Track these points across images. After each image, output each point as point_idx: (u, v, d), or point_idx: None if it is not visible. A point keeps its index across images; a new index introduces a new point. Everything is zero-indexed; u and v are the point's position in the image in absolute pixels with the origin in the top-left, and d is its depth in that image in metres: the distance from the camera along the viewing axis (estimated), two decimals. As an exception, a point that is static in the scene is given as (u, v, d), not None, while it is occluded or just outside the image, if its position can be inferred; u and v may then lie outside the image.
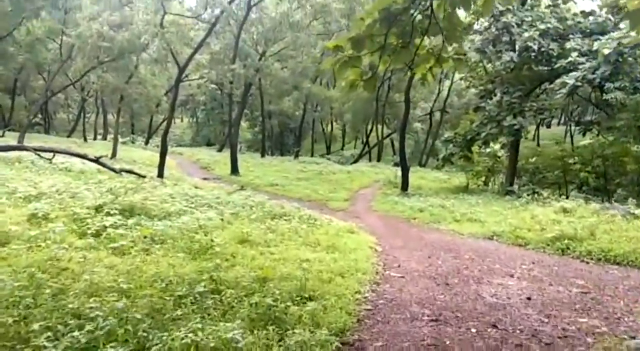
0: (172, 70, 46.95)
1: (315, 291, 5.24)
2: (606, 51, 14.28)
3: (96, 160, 17.87)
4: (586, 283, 6.62)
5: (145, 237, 7.76)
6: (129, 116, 57.41)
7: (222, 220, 10.17)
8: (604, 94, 14.89)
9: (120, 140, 46.84)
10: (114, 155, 27.49)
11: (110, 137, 45.63)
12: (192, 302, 4.40)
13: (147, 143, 48.72)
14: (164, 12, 16.46)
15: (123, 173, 17.95)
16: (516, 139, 19.44)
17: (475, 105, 21.05)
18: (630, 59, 14.99)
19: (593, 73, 15.34)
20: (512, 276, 6.99)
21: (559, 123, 54.40)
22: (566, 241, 8.84)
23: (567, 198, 19.89)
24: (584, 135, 18.37)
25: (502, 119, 18.03)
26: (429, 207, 14.47)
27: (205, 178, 23.47)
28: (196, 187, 18.08)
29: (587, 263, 8.02)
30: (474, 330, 4.51)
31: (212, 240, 7.64)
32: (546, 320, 4.87)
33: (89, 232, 7.83)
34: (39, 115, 52.66)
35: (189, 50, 19.93)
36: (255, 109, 45.42)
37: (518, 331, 4.49)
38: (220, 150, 42.47)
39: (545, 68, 18.62)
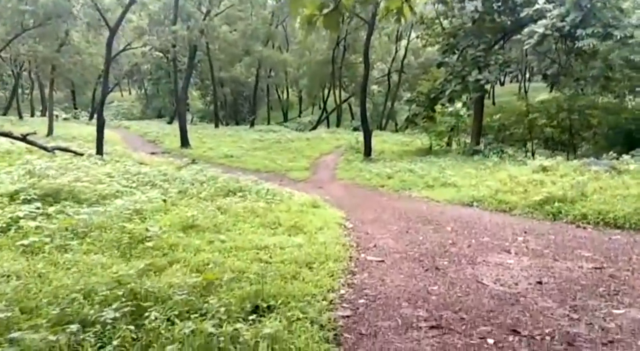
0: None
1: (276, 296, 3.98)
2: (577, -5, 13.35)
3: (23, 138, 15.75)
4: (594, 255, 5.66)
5: (65, 229, 6.29)
6: (70, 90, 53.57)
7: (164, 201, 8.72)
8: (576, 42, 14.03)
9: (63, 116, 43.72)
10: (50, 132, 25.08)
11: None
12: (96, 337, 3.04)
13: (91, 118, 45.39)
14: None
15: (56, 151, 16.04)
16: (481, 96, 18.54)
17: (438, 61, 19.91)
18: (599, 3, 14.11)
19: (562, 21, 14.41)
20: (508, 251, 5.95)
21: (511, 80, 54.54)
22: (556, 204, 7.92)
23: (533, 154, 19.40)
24: (551, 89, 17.63)
25: (467, 74, 17.00)
26: (397, 172, 13.39)
27: (152, 153, 21.61)
28: (141, 163, 16.39)
29: (585, 228, 7.11)
30: (491, 341, 3.38)
31: (147, 229, 6.24)
32: (575, 316, 3.81)
33: (-2, 225, 6.27)
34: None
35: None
36: (205, 77, 42.89)
37: (548, 338, 3.39)
38: (170, 122, 39.99)
39: (509, 19, 17.61)
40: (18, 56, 26.64)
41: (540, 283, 4.69)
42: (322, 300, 4.15)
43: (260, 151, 22.04)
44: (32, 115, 41.66)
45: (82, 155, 15.81)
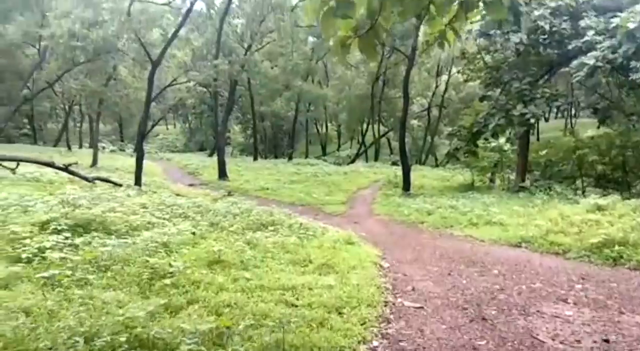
0: (158, 73, 45.65)
1: (299, 348, 3.52)
2: (631, 26, 12.63)
3: (65, 169, 16.15)
4: (668, 309, 4.92)
5: (89, 262, 6.08)
6: (117, 123, 55.71)
7: (193, 234, 8.46)
8: (630, 74, 13.24)
9: (111, 148, 45.24)
10: (94, 163, 25.75)
11: (99, 145, 43.90)
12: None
13: (135, 150, 46.78)
14: (131, -1, 14.75)
15: (96, 181, 16.33)
16: (527, 130, 17.74)
17: (481, 95, 19.32)
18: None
19: (613, 52, 13.68)
20: (565, 301, 5.27)
21: (556, 116, 52.90)
22: (616, 247, 7.13)
23: (583, 192, 18.28)
24: (602, 123, 16.69)
25: (512, 108, 16.32)
26: (438, 208, 12.73)
27: (191, 185, 21.76)
28: (178, 195, 16.43)
29: (652, 276, 6.32)
30: None
31: (170, 264, 5.93)
32: (657, 387, 3.16)
33: (23, 256, 6.13)
34: (27, 126, 50.96)
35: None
36: (246, 111, 43.65)
37: None
38: (210, 155, 40.62)
39: (556, 51, 16.94)
40: (69, 90, 27.78)
41: (607, 341, 4.03)
42: (352, 354, 3.65)
43: (296, 184, 21.79)
44: (80, 147, 43.26)
45: (121, 185, 16.01)
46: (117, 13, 15.77)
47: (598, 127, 32.49)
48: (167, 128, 70.39)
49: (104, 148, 41.86)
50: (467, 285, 6.08)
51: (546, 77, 18.36)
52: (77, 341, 3.29)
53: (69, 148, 38.62)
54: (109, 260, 6.15)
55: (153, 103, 52.44)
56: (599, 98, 20.51)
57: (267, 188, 19.80)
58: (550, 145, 20.39)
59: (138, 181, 16.27)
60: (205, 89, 36.57)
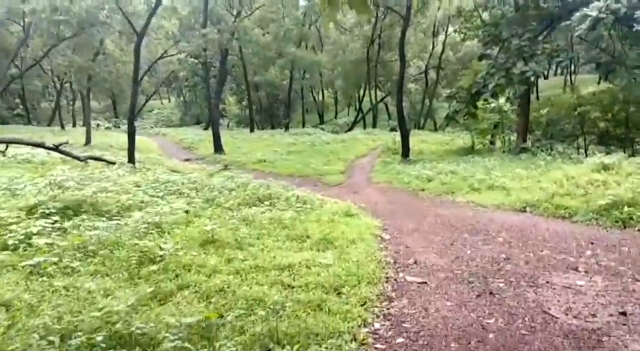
0: (148, 46, 44.47)
1: (293, 337, 3.26)
2: (637, -28, 12.03)
3: (56, 148, 15.77)
4: (685, 273, 4.66)
5: (77, 248, 5.84)
6: (111, 100, 54.86)
7: (187, 212, 8.18)
8: (635, 25, 12.67)
9: (106, 125, 44.63)
10: (87, 141, 25.31)
11: (93, 123, 43.25)
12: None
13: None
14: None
15: (89, 160, 16.01)
16: (527, 89, 17.24)
17: (479, 54, 18.70)
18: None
19: (616, 2, 13.06)
20: (575, 269, 5.01)
21: (555, 73, 51.80)
22: (626, 209, 6.85)
23: (585, 151, 17.95)
24: (605, 78, 16.16)
25: (512, 66, 15.77)
26: (438, 174, 12.42)
27: (186, 160, 21.42)
28: (173, 171, 16.13)
29: (665, 239, 6.06)
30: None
31: (160, 247, 5.66)
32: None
33: (10, 242, 5.90)
34: (20, 106, 50.15)
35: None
36: (240, 82, 42.78)
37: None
38: (206, 129, 40.03)
39: (556, 4, 16.30)
40: (57, 67, 27.00)
41: (624, 314, 3.77)
42: (352, 340, 3.39)
43: (294, 155, 21.44)
44: (74, 125, 42.67)
45: (114, 163, 15.68)
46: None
47: (598, 83, 31.82)
48: (162, 103, 69.39)
49: (98, 125, 41.27)
50: (471, 255, 5.82)
51: (545, 32, 17.71)
52: (52, 342, 3.03)
53: (62, 127, 38.07)
54: (97, 245, 5.90)
55: (145, 78, 51.56)
56: (600, 53, 19.88)
57: (264, 161, 19.47)
58: (551, 102, 19.91)
59: (131, 158, 15.91)
60: (197, 61, 35.74)
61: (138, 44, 14.01)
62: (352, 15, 40.62)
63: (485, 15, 24.50)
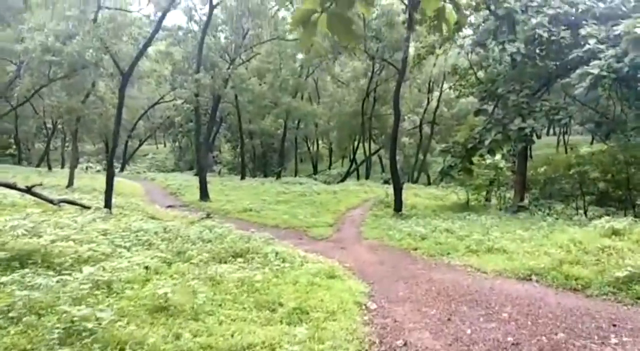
0: (146, 89, 44.51)
1: None
2: (638, 31, 11.69)
3: (27, 190, 14.83)
4: None
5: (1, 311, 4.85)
6: (104, 142, 54.43)
7: (146, 268, 7.23)
8: (638, 85, 12.28)
9: (97, 168, 43.80)
10: (70, 183, 24.37)
11: (83, 165, 42.48)
12: None
13: (122, 170, 45.66)
14: (98, 6, 13.50)
15: (62, 204, 15.09)
16: (525, 146, 16.70)
17: (476, 108, 18.30)
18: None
19: (618, 62, 12.72)
20: (603, 363, 4.06)
21: (547, 133, 52.08)
22: (649, 283, 5.95)
23: (585, 212, 17.20)
24: (606, 138, 15.66)
25: (509, 122, 15.29)
26: (432, 232, 11.51)
27: (169, 206, 20.42)
28: (152, 218, 15.19)
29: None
30: None
31: (95, 316, 4.68)
32: None
33: None
34: (13, 146, 49.55)
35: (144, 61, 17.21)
36: (235, 129, 42.54)
37: None
38: (197, 174, 39.34)
39: (555, 62, 16.04)
40: (47, 107, 26.43)
41: None
42: None
43: (282, 204, 20.53)
44: (63, 167, 41.86)
45: (89, 208, 14.76)
46: (84, 22, 14.63)
47: (591, 143, 31.57)
48: (157, 148, 69.28)
49: (87, 168, 40.52)
50: (472, 336, 4.86)
51: (542, 90, 17.42)
52: None
53: (49, 168, 37.23)
54: (24, 309, 4.92)
55: (140, 122, 51.48)
56: (596, 114, 19.63)
57: (250, 210, 18.52)
58: (548, 161, 19.33)
59: (108, 203, 14.95)
60: (190, 106, 35.55)
61: (123, 85, 13.43)
62: (350, 69, 41.16)
63: (481, 74, 24.48)
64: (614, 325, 5.09)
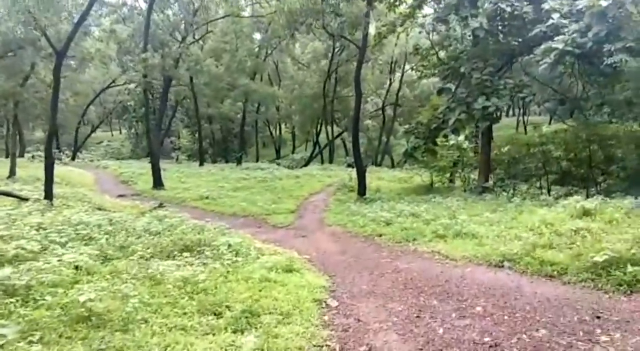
0: (96, 72, 42.15)
1: None
2: (603, 3, 11.33)
3: (-46, 183, 13.42)
4: None
5: None
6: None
7: (77, 268, 6.36)
8: (604, 59, 11.97)
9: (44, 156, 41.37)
10: (12, 173, 22.67)
11: (30, 154, 40.04)
12: None
13: (73, 158, 43.39)
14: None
15: (-3, 196, 13.84)
16: (490, 126, 16.35)
17: (439, 87, 17.80)
18: (630, 13, 12.07)
19: (582, 36, 12.39)
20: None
21: (507, 114, 52.77)
22: (630, 268, 5.51)
23: (549, 191, 17.12)
24: (570, 115, 15.48)
25: (473, 101, 14.86)
26: (397, 217, 10.94)
27: (120, 196, 19.21)
28: (100, 209, 14.09)
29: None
30: None
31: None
32: None
33: None
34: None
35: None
36: (193, 114, 40.99)
37: None
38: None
39: (517, 38, 15.68)
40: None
41: None
42: None
43: (242, 191, 19.64)
44: (7, 156, 39.34)
45: (27, 200, 13.54)
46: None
47: (549, 123, 31.84)
48: (112, 135, 66.57)
49: (33, 157, 38.18)
50: (445, 337, 4.26)
51: (505, 68, 17.07)
52: None
53: (-7, 157, 34.92)
54: None
55: (92, 107, 48.95)
56: (556, 93, 19.55)
57: (207, 197, 17.57)
58: (512, 141, 19.16)
59: (48, 194, 13.69)
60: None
61: (57, 65, 12.14)
62: (310, 50, 40.16)
63: (442, 54, 24.07)
64: (598, 317, 4.60)
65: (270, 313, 4.82)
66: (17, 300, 4.86)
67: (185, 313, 4.74)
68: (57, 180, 22.63)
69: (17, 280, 5.27)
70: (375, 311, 5.16)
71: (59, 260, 6.52)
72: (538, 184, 18.00)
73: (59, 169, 29.16)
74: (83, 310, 4.47)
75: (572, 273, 5.94)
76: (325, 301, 5.57)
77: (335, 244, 9.56)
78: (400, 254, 8.08)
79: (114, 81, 42.77)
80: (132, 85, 38.61)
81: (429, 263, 7.23)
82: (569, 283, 5.79)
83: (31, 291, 5.18)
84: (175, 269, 6.31)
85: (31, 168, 27.21)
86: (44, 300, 4.94)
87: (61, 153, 45.31)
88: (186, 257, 7.41)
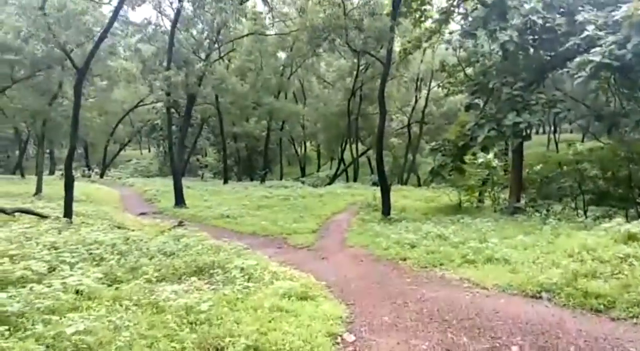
0: (126, 92, 42.96)
1: None
2: (643, 14, 10.66)
3: (-24, 200, 13.48)
4: None
5: None
6: (83, 148, 52.79)
7: (77, 293, 6.01)
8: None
9: (76, 175, 42.07)
10: (38, 191, 22.99)
11: (60, 172, 40.87)
12: None
13: (102, 175, 44.12)
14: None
15: (17, 214, 13.85)
16: (521, 143, 15.60)
17: (466, 103, 17.15)
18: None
19: (619, 49, 11.67)
20: None
21: (537, 132, 51.26)
22: (691, 303, 4.80)
23: (585, 213, 16.16)
24: (608, 132, 14.60)
25: (503, 117, 14.19)
26: (423, 239, 10.31)
27: (142, 213, 19.10)
28: (119, 227, 13.87)
29: None
30: None
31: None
32: None
33: None
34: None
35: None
36: (218, 132, 41.18)
37: None
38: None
39: (549, 52, 15.00)
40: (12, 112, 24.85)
41: None
42: None
43: (264, 210, 19.28)
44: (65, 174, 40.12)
45: (47, 217, 13.47)
46: (29, 10, 13.30)
47: (582, 141, 30.56)
48: (142, 153, 67.74)
49: (62, 175, 38.87)
50: (477, 385, 3.66)
51: (537, 83, 16.35)
52: None
53: (22, 175, 35.68)
54: None
55: (120, 126, 49.87)
56: (588, 109, 18.56)
57: (228, 216, 17.24)
58: (545, 159, 18.29)
59: (67, 212, 13.58)
60: (174, 110, 34.10)
61: (78, 82, 12.10)
62: (335, 68, 40.03)
63: (469, 71, 23.46)
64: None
65: (278, 350, 4.31)
66: (8, 329, 4.50)
67: (183, 348, 4.28)
68: (83, 197, 22.88)
69: (10, 306, 4.93)
70: (397, 349, 4.59)
71: (62, 283, 6.19)
72: (573, 205, 17.03)
73: (86, 186, 29.61)
74: (69, 344, 4.06)
75: (621, 307, 5.25)
76: (340, 336, 5.03)
77: (356, 268, 8.99)
78: (426, 281, 7.46)
79: (142, 100, 43.57)
80: (159, 104, 39.15)
81: (457, 292, 6.60)
82: (617, 319, 5.10)
83: (23, 318, 4.82)
84: (181, 294, 5.88)
85: (58, 186, 27.57)
86: (34, 329, 4.56)
87: (90, 171, 46.16)
88: (196, 281, 7.02)
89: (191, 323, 4.85)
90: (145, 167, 56.76)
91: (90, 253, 8.44)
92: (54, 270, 7.28)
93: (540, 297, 6.02)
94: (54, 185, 26.41)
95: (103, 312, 5.06)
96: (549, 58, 15.23)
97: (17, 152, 51.78)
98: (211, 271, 7.83)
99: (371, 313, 5.86)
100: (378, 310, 5.99)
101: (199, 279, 7.49)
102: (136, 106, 44.78)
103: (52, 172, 42.09)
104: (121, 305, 5.45)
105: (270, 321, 5.06)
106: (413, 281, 7.52)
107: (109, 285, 7.06)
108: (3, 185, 26.30)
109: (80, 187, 29.49)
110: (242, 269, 7.46)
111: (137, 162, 60.11)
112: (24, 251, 8.20)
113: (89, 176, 43.82)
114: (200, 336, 4.51)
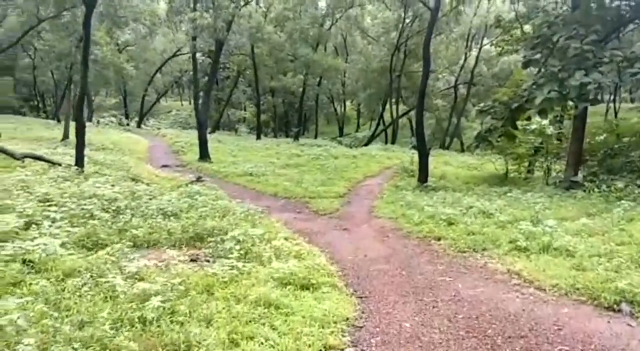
0: (165, 39, 41.91)
1: None
2: None
3: (-14, 144, 12.86)
4: None
5: None
6: (122, 96, 52.74)
7: (25, 263, 4.96)
8: None
9: (107, 121, 42.11)
10: (65, 137, 22.51)
11: (96, 118, 40.88)
12: None
13: (139, 125, 43.98)
14: None
15: (26, 159, 13.27)
16: (586, 108, 13.48)
17: (525, 59, 14.94)
18: None
19: None
20: None
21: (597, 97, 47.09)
22: None
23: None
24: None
25: (568, 77, 12.11)
26: (463, 214, 8.73)
27: (164, 166, 18.24)
28: (134, 180, 13.00)
29: None
30: None
31: None
32: None
33: None
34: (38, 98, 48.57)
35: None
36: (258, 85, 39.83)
37: None
38: (212, 131, 37.05)
39: (628, 2, 12.62)
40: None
41: None
42: None
43: (291, 169, 18.01)
44: (74, 119, 40.21)
45: (59, 165, 12.76)
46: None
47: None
48: (182, 104, 67.29)
49: (98, 122, 38.75)
50: None
51: (612, 36, 13.96)
52: None
53: (58, 120, 35.66)
54: None
55: (159, 75, 49.23)
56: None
57: (251, 174, 16.07)
58: (611, 128, 16.02)
59: (79, 160, 12.70)
60: (210, 59, 32.77)
61: (87, 18, 10.88)
62: (379, 20, 37.46)
63: (527, 28, 20.86)
64: None
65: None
66: None
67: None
68: (110, 146, 22.28)
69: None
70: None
71: (20, 247, 5.20)
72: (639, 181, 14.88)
73: (118, 135, 29.15)
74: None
75: None
76: (346, 343, 3.71)
77: (380, 245, 7.60)
78: (464, 270, 5.98)
79: (179, 49, 42.44)
80: (199, 54, 37.93)
81: (503, 291, 5.11)
82: None
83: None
84: (149, 273, 4.70)
85: (90, 133, 27.22)
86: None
87: (128, 120, 46.08)
88: (185, 251, 5.93)
89: (142, 321, 3.63)
90: (184, 119, 56.42)
91: (82, 209, 7.45)
92: (29, 226, 6.33)
93: (620, 310, 4.47)
94: (89, 131, 25.96)
95: (32, 297, 3.91)
96: (628, 9, 12.84)
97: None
98: (209, 239, 6.69)
99: (389, 315, 4.50)
100: (398, 311, 4.61)
101: (191, 247, 6.38)
102: (174, 55, 43.72)
103: (89, 119, 42.09)
104: (66, 287, 4.30)
105: (248, 323, 3.79)
106: (447, 269, 6.06)
107: (88, 249, 6.09)
108: (38, 130, 26.09)
109: (112, 134, 29.15)
110: (239, 241, 6.21)
111: (177, 113, 59.85)
112: (8, 202, 7.31)
113: (127, 124, 43.76)
114: (143, 346, 3.27)
